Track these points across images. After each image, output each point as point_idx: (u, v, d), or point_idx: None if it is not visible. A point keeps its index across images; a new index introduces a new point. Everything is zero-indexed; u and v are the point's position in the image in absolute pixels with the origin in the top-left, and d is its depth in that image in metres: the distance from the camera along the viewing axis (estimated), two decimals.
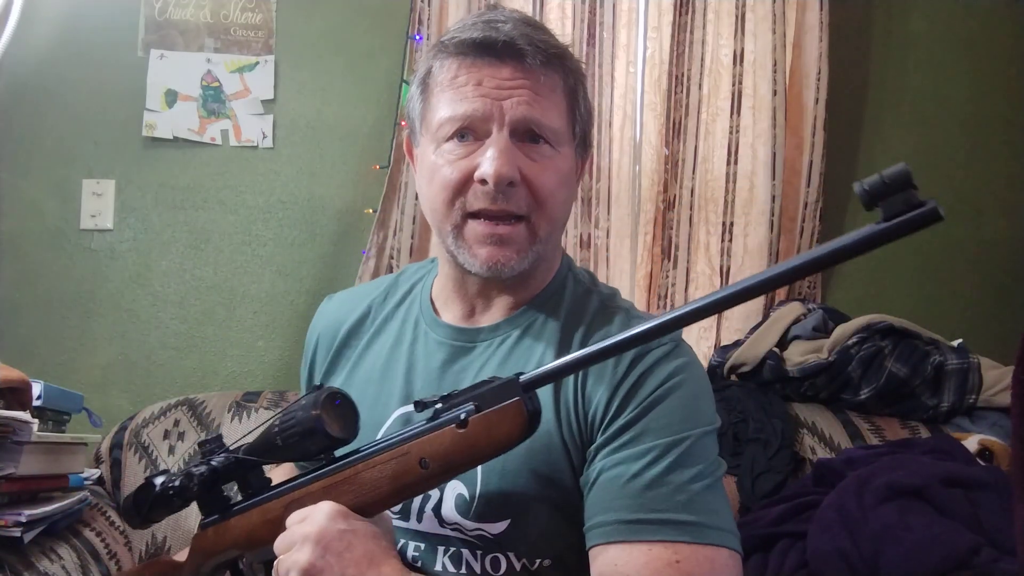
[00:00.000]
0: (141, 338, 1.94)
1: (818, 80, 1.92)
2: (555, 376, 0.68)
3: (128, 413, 1.69)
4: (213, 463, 0.79)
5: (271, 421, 0.75)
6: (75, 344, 1.92)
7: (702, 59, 1.95)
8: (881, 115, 2.05)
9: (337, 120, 2.00)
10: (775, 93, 1.90)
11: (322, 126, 1.99)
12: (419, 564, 0.81)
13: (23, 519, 1.11)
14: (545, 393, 0.81)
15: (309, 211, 1.99)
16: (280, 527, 0.73)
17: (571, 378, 0.81)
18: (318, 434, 0.72)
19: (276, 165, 1.98)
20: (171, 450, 1.58)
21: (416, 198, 1.87)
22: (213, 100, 1.97)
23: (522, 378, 0.67)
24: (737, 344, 1.79)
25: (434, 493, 0.82)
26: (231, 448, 0.80)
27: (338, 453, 0.76)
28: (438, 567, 0.81)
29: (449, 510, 0.81)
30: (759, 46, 1.92)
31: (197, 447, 0.84)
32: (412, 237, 1.89)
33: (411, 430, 0.71)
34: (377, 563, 0.68)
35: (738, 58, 1.94)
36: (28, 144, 1.93)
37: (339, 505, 0.71)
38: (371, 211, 1.94)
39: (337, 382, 0.94)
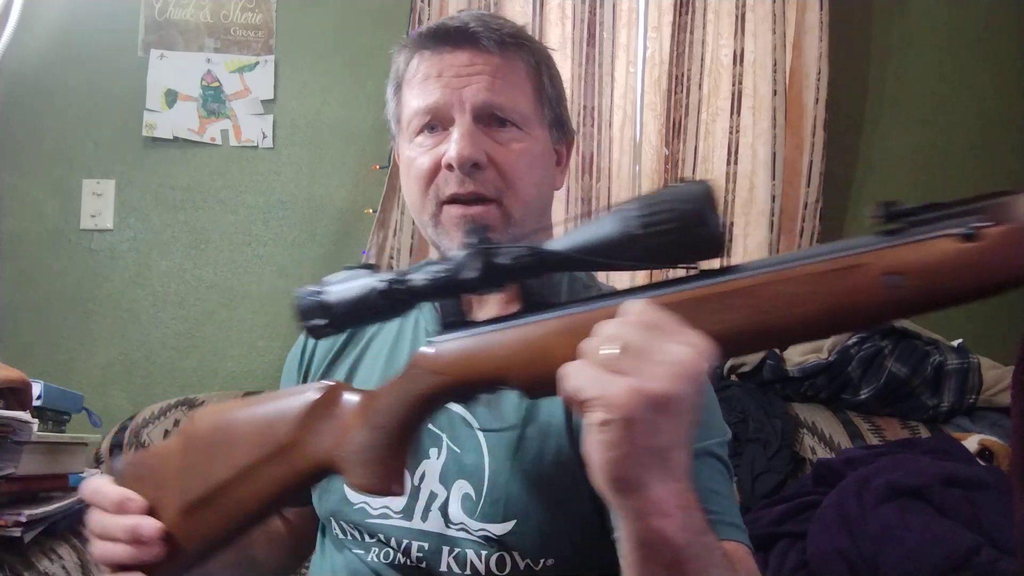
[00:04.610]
0: (141, 338, 1.94)
1: (818, 80, 1.92)
2: None
3: (128, 413, 1.68)
4: (501, 256, 0.56)
5: (601, 216, 0.54)
6: (75, 344, 1.92)
7: (702, 59, 1.95)
8: (881, 115, 2.04)
9: (337, 120, 2.00)
10: (775, 93, 1.90)
11: (322, 126, 1.99)
12: (423, 565, 0.81)
13: (23, 519, 1.11)
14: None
15: (309, 211, 1.99)
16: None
17: None
18: (703, 228, 0.51)
19: (276, 165, 1.98)
20: None
21: None
22: (213, 100, 1.97)
23: None
24: None
25: (441, 492, 0.81)
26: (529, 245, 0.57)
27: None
28: (443, 568, 0.80)
29: (456, 510, 0.80)
30: (759, 46, 1.92)
31: (464, 241, 0.59)
32: (412, 237, 1.89)
33: (871, 240, 0.49)
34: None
35: (738, 58, 1.94)
36: (28, 144, 1.93)
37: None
38: (371, 211, 1.93)
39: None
